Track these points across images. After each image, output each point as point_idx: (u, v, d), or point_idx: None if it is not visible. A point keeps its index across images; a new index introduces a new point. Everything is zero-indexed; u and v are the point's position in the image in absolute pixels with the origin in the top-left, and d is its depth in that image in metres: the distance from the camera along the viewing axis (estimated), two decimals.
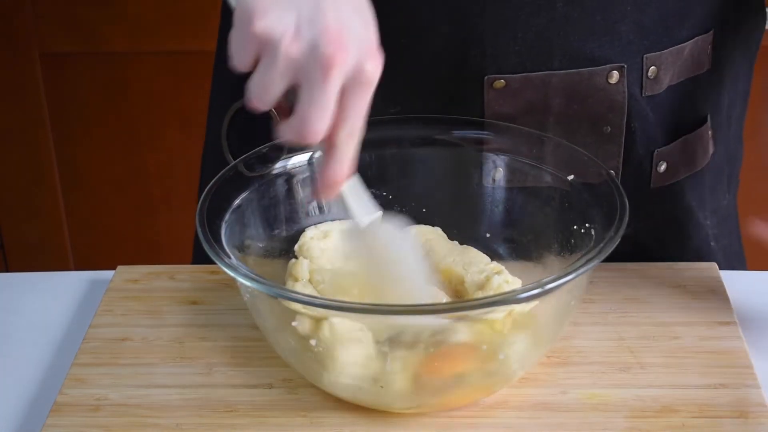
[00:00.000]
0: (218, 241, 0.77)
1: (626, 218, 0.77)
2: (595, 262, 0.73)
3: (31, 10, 1.92)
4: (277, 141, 0.89)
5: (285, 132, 0.69)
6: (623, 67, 0.91)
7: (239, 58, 0.68)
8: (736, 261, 1.07)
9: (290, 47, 0.66)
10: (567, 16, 0.89)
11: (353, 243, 0.78)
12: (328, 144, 0.70)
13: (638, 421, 0.77)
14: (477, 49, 0.90)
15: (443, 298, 0.81)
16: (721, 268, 0.96)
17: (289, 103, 0.69)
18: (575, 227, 0.83)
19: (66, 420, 0.79)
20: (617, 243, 0.75)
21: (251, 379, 0.82)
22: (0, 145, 2.03)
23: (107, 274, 0.96)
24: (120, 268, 0.96)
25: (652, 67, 0.92)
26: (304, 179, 0.87)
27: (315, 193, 0.72)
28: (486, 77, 0.90)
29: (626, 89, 0.92)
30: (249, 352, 0.84)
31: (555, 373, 0.82)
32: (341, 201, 0.75)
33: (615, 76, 0.92)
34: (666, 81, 0.93)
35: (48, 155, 2.04)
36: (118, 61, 1.96)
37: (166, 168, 2.05)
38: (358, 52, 0.67)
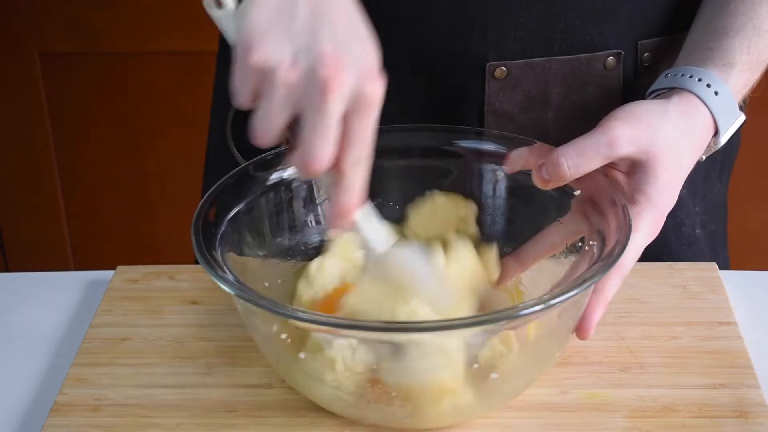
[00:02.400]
0: (212, 245, 0.76)
1: (630, 235, 0.75)
2: (598, 277, 0.72)
3: (30, 10, 1.92)
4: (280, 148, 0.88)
5: (293, 163, 0.68)
6: (620, 53, 0.92)
7: (240, 93, 0.67)
8: (721, 247, 1.08)
9: (288, 75, 0.65)
10: (570, 0, 0.89)
11: (369, 271, 0.77)
12: (336, 173, 0.68)
13: (638, 421, 0.77)
14: (479, 34, 0.90)
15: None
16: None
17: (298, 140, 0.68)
18: (580, 243, 0.81)
19: (66, 420, 0.79)
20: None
21: (251, 379, 0.82)
22: (0, 145, 2.03)
23: (107, 274, 0.96)
24: (120, 268, 0.96)
25: (647, 54, 0.93)
26: (300, 188, 0.87)
27: (328, 223, 0.71)
28: (488, 64, 0.91)
29: (622, 76, 0.92)
30: (249, 352, 0.84)
31: (555, 373, 0.81)
32: (355, 230, 0.73)
33: (612, 62, 0.92)
34: (661, 69, 0.93)
35: (48, 155, 2.04)
36: (118, 61, 1.96)
37: (166, 168, 2.05)
38: (357, 75, 0.65)
